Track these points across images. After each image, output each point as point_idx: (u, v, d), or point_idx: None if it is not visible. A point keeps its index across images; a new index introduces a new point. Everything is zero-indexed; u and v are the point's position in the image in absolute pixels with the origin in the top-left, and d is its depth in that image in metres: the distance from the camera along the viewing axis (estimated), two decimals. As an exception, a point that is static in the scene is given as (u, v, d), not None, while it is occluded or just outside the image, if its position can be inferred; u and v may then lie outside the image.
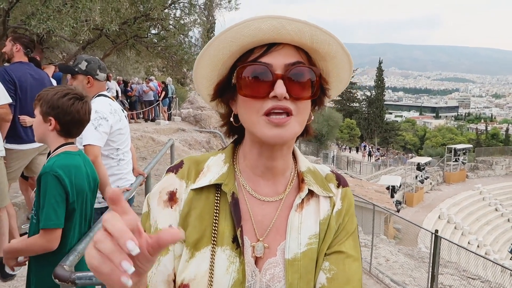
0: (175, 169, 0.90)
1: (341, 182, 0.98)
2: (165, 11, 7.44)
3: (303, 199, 0.90)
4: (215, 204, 0.86)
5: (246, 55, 0.83)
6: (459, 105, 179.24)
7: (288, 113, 0.79)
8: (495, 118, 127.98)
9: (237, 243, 0.83)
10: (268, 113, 0.79)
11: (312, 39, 0.81)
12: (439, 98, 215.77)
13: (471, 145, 34.03)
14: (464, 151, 27.43)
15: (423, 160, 27.83)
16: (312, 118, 0.89)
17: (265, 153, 0.86)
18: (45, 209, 1.82)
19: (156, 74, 17.74)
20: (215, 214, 0.85)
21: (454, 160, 26.67)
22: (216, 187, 0.87)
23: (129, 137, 3.00)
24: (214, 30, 14.93)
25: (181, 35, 7.99)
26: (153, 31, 7.93)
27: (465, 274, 7.65)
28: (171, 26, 7.78)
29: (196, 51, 8.67)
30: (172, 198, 0.86)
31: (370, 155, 43.79)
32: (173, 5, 7.75)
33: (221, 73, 0.88)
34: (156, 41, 7.86)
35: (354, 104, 62.84)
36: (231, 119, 0.90)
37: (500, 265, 6.92)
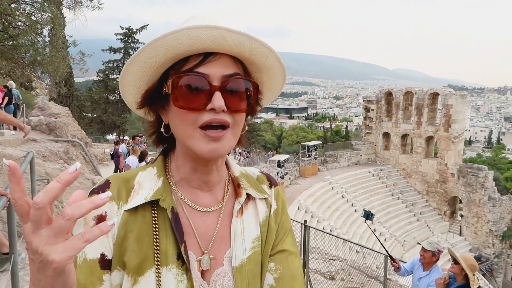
0: (100, 190, 0.80)
1: (272, 182, 0.99)
2: (12, 5, 6.40)
3: (242, 204, 0.89)
4: (154, 223, 0.79)
5: (180, 63, 0.78)
6: (308, 106, 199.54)
7: (224, 126, 0.77)
8: (337, 117, 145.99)
9: (182, 260, 0.79)
10: (204, 126, 0.76)
11: (251, 51, 0.79)
12: (291, 100, 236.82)
13: (320, 142, 38.26)
14: (315, 147, 30.79)
15: (282, 157, 30.29)
16: (246, 128, 0.87)
17: (199, 168, 0.83)
18: None
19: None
20: (154, 233, 0.78)
21: (307, 156, 29.72)
22: (152, 204, 0.81)
23: None
24: (60, 28, 13.59)
25: (33, 34, 6.98)
26: (-5, 28, 6.75)
27: (327, 256, 8.69)
28: (20, 23, 6.72)
29: (52, 51, 7.69)
30: (101, 222, 0.79)
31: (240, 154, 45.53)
32: (21, -1, 6.72)
33: (151, 80, 0.81)
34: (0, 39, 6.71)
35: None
36: (162, 129, 0.84)
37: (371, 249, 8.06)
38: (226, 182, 0.91)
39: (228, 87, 0.76)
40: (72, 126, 13.72)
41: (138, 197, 0.80)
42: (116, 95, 37.77)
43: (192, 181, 0.86)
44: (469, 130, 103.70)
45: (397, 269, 4.83)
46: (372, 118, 34.34)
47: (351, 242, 10.11)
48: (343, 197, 26.95)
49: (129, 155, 11.97)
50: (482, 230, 27.50)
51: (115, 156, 14.19)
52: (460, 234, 28.93)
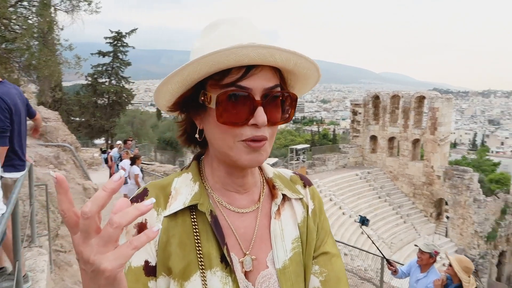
0: (139, 198, 0.83)
1: (306, 182, 0.99)
2: (10, 9, 6.31)
3: (278, 205, 0.90)
4: (194, 227, 0.81)
5: (221, 73, 0.77)
6: (296, 110, 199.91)
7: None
8: (324, 120, 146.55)
9: (225, 262, 0.80)
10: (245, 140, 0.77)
11: (295, 65, 0.80)
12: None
13: (308, 145, 38.34)
14: (303, 151, 30.93)
15: (270, 161, 30.28)
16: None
17: (234, 173, 0.85)
18: None
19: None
20: (196, 237, 0.80)
21: (296, 159, 29.88)
22: (190, 209, 0.82)
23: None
24: (53, 32, 13.42)
25: (30, 37, 6.89)
26: (-9, 32, 6.67)
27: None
28: (17, 27, 6.65)
29: (47, 55, 7.60)
30: (142, 230, 0.78)
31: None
32: (19, 3, 6.61)
33: (186, 88, 0.82)
34: (-6, 42, 6.62)
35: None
36: (196, 135, 0.85)
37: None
38: (262, 182, 0.93)
39: (269, 100, 0.77)
40: (62, 131, 13.50)
41: (176, 203, 0.82)
42: (104, 99, 37.32)
43: (228, 185, 0.87)
44: (454, 133, 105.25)
45: (394, 272, 4.89)
46: (359, 121, 34.62)
47: (346, 244, 10.00)
48: (331, 200, 27.08)
49: (121, 160, 11.93)
50: (467, 231, 27.99)
51: (108, 161, 14.17)
52: (446, 235, 29.37)
